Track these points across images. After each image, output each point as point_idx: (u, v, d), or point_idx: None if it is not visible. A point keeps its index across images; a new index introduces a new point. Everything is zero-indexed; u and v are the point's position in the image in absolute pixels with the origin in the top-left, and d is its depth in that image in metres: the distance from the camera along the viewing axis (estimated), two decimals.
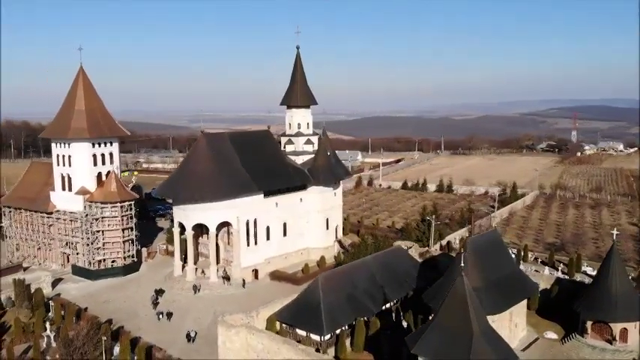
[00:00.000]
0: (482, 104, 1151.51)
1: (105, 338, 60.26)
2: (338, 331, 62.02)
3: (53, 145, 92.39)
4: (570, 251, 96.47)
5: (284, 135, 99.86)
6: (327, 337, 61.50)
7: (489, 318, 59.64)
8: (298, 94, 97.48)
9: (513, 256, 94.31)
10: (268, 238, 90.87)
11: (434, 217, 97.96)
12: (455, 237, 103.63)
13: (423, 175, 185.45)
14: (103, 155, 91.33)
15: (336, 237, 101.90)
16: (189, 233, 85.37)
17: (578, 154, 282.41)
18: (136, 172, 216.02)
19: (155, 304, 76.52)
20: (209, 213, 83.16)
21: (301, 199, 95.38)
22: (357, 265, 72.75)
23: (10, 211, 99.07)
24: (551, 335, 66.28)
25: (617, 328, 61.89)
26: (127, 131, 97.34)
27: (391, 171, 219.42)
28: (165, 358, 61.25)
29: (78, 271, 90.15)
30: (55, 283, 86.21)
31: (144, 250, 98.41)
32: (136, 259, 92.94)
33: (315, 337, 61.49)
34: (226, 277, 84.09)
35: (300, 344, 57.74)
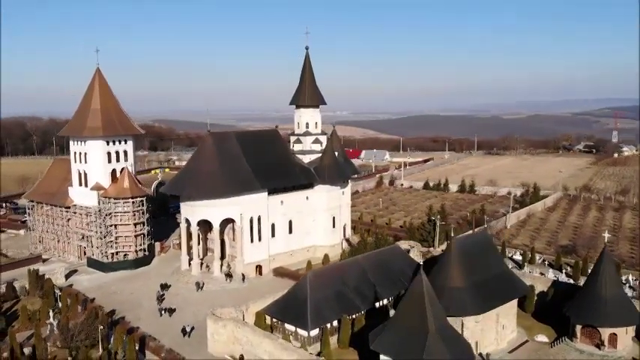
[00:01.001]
0: (537, 102, 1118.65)
1: (102, 327, 63.49)
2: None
3: (71, 142, 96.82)
4: (581, 254, 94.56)
5: (293, 134, 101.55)
6: (315, 332, 62.89)
7: (472, 318, 60.14)
8: (306, 94, 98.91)
9: (520, 257, 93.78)
10: (273, 235, 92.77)
11: (439, 217, 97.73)
12: None
13: (450, 175, 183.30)
14: (117, 153, 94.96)
15: (344, 235, 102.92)
16: (194, 229, 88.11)
17: (615, 155, 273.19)
18: (167, 169, 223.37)
19: (161, 300, 78.83)
20: (212, 209, 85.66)
21: (307, 198, 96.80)
22: (349, 263, 73.81)
23: (34, 205, 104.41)
24: (542, 338, 65.80)
25: (605, 333, 61.14)
26: (141, 130, 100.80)
27: (417, 171, 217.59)
28: (158, 347, 63.93)
29: (92, 263, 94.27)
30: (70, 274, 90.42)
31: (157, 244, 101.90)
32: (147, 253, 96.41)
33: (303, 332, 63.09)
34: (229, 275, 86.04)
35: (280, 339, 59.62)
